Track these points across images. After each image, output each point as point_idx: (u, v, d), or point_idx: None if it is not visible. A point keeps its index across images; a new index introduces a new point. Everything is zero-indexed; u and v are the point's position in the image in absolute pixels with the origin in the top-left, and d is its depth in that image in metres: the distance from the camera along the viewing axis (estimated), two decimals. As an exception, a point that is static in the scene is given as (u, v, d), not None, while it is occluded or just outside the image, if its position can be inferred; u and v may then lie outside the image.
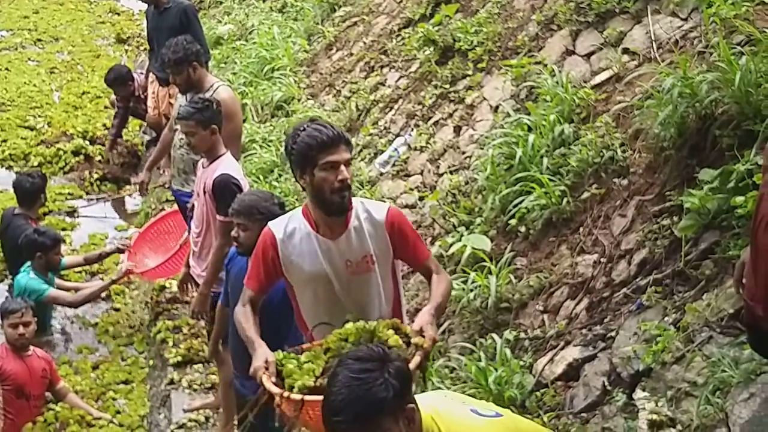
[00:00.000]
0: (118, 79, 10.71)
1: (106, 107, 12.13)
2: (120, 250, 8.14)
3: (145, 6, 10.12)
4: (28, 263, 7.92)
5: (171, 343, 7.39)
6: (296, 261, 4.16)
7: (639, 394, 4.37)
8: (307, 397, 3.38)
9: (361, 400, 2.61)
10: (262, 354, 3.73)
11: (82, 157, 11.01)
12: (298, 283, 4.25)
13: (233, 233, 5.26)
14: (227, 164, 6.11)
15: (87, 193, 10.55)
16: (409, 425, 2.69)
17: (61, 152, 10.96)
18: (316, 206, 4.11)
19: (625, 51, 6.42)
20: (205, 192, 6.09)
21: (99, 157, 11.05)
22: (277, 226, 4.22)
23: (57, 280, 8.18)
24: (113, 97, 11.14)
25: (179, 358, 7.19)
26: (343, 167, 4.03)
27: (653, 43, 6.18)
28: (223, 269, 5.69)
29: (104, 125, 11.55)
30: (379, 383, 2.63)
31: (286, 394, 3.44)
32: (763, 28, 5.43)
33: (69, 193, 10.37)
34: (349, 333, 3.68)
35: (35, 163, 10.70)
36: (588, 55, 6.76)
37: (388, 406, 2.63)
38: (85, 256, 8.66)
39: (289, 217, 4.26)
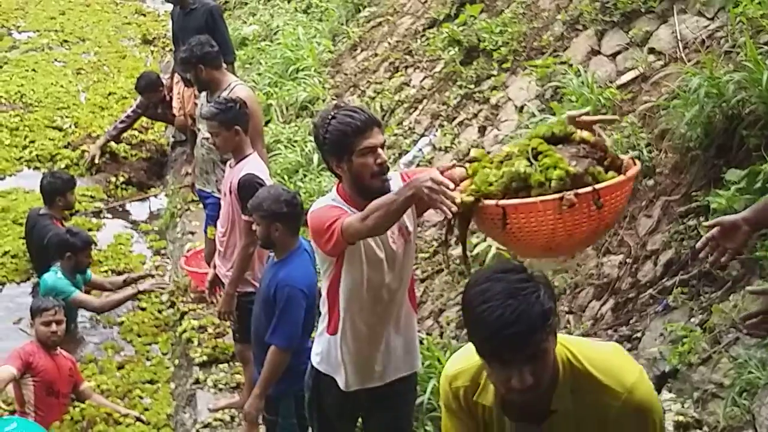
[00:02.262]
0: (150, 86, 10.76)
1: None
2: (142, 292, 8.17)
3: (170, 7, 10.17)
4: (57, 263, 7.98)
5: (196, 343, 7.42)
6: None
7: (665, 395, 4.35)
8: (529, 199, 3.17)
9: (532, 309, 2.51)
10: (427, 175, 3.54)
11: (107, 156, 11.04)
12: (351, 261, 4.15)
13: (253, 227, 5.40)
14: (253, 164, 6.13)
15: (108, 196, 10.58)
16: (554, 339, 2.64)
17: (86, 154, 11.01)
18: (356, 192, 4.04)
19: (651, 51, 6.39)
20: (231, 192, 6.13)
21: (123, 154, 11.08)
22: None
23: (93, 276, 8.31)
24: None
25: (204, 358, 7.21)
26: (380, 150, 4.01)
27: (679, 42, 6.15)
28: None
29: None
30: (539, 294, 2.55)
31: (502, 202, 3.18)
32: (790, 27, 5.40)
33: (92, 196, 10.42)
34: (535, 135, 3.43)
35: (62, 165, 10.76)
36: (613, 55, 6.74)
37: (550, 315, 2.56)
38: (110, 280, 8.67)
39: (331, 201, 4.15)
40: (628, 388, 2.70)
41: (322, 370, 4.45)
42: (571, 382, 2.70)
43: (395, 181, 4.09)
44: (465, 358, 2.91)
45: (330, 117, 4.05)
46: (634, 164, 3.33)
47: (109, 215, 10.31)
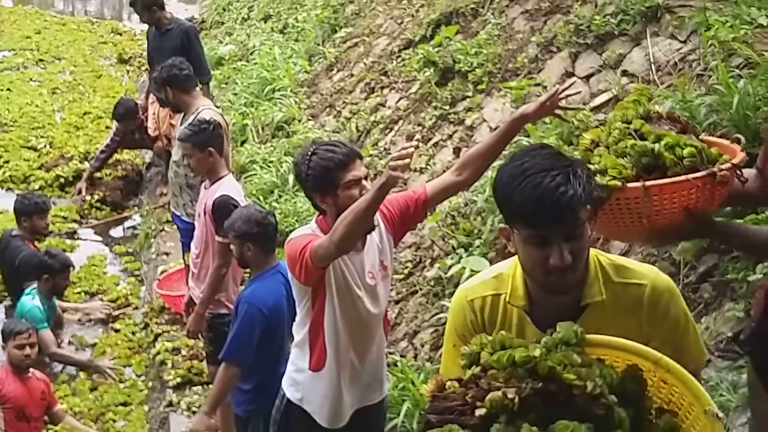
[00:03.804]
0: (128, 114, 10.70)
1: (107, 127, 12.12)
2: (97, 367, 7.92)
3: (146, 26, 10.16)
4: (34, 286, 7.92)
5: (170, 365, 7.37)
6: (343, 269, 4.11)
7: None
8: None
9: (575, 180, 2.51)
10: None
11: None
12: (334, 298, 4.14)
13: (230, 246, 5.43)
14: (228, 186, 6.13)
15: (82, 217, 10.52)
16: (589, 224, 2.63)
17: (61, 178, 10.98)
18: None
19: (624, 73, 6.43)
20: (205, 213, 6.11)
21: (99, 174, 11.01)
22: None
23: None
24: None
25: (178, 380, 7.17)
26: (364, 182, 4.02)
27: (652, 65, 6.19)
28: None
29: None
30: (577, 169, 2.56)
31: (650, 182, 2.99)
32: (761, 51, 5.44)
33: (63, 217, 10.36)
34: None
35: (36, 186, 10.70)
36: (587, 77, 6.77)
37: (590, 190, 2.58)
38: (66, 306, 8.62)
39: (310, 231, 4.15)
40: (651, 277, 2.74)
41: (302, 405, 4.39)
42: (602, 275, 2.71)
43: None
44: (478, 278, 2.91)
45: (311, 153, 4.05)
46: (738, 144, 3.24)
47: (83, 236, 10.24)
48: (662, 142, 3.07)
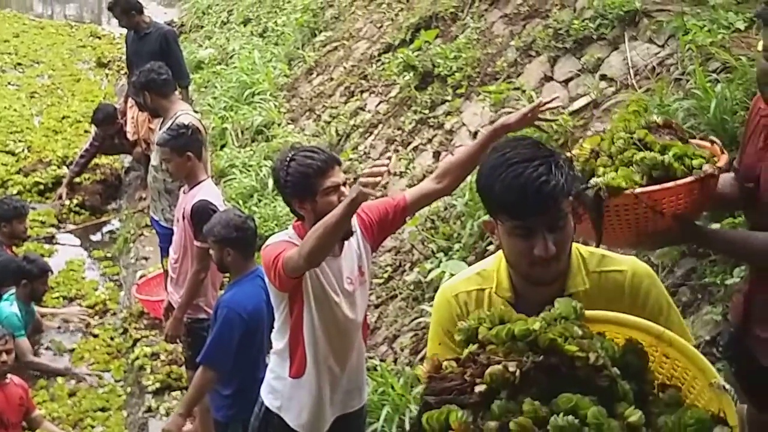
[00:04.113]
0: (107, 119, 10.64)
1: (86, 131, 12.07)
2: (75, 374, 7.87)
3: (125, 30, 10.12)
4: (12, 291, 7.87)
5: (149, 370, 7.34)
6: (320, 275, 4.10)
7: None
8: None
9: (558, 170, 2.53)
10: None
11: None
12: (312, 304, 4.13)
13: (210, 251, 5.42)
14: (207, 190, 6.11)
15: (60, 221, 10.46)
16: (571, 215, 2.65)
17: (40, 185, 10.93)
18: None
19: (603, 77, 6.45)
20: (184, 218, 6.09)
21: (78, 179, 10.96)
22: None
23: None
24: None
25: (157, 385, 7.14)
26: (343, 188, 4.02)
27: (630, 69, 6.21)
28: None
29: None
30: (559, 160, 2.58)
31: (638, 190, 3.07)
32: (738, 55, 5.47)
33: (41, 221, 10.30)
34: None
35: (14, 191, 10.63)
36: (566, 81, 6.79)
37: (572, 181, 2.60)
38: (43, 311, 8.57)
39: (287, 238, 4.14)
40: (631, 264, 2.77)
41: (280, 413, 4.37)
42: (584, 265, 2.73)
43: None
44: (461, 275, 2.91)
45: (289, 159, 4.05)
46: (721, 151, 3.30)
47: (62, 241, 10.19)
48: (670, 153, 3.12)
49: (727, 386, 2.20)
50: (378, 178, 3.58)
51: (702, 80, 5.22)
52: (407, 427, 5.12)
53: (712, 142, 3.31)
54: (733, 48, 5.62)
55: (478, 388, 2.23)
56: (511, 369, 2.21)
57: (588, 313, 2.42)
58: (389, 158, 3.84)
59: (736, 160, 3.41)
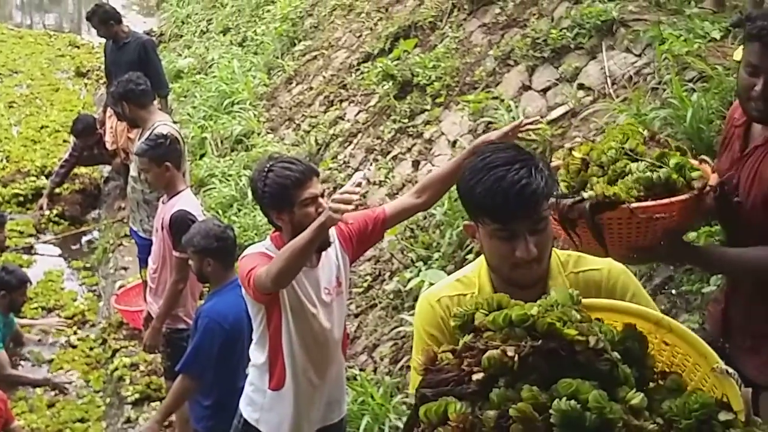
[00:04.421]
0: (87, 129, 10.59)
1: (65, 141, 12.04)
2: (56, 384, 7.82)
3: (104, 39, 10.11)
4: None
5: (128, 381, 7.31)
6: (296, 287, 4.08)
7: None
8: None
9: (538, 173, 2.56)
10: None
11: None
12: (289, 315, 4.12)
13: (189, 261, 5.41)
14: (185, 200, 6.10)
15: (38, 231, 10.42)
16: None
17: (19, 196, 10.89)
18: None
19: (581, 86, 6.49)
20: (162, 228, 6.08)
21: (57, 189, 10.92)
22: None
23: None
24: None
25: (137, 396, 7.11)
26: (320, 200, 4.02)
27: (608, 79, 6.25)
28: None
29: (61, 159, 11.42)
30: (539, 163, 2.61)
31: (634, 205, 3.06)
32: (714, 64, 5.51)
33: (20, 231, 10.25)
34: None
35: (-7, 202, 10.61)
36: (544, 91, 6.83)
37: (552, 184, 2.66)
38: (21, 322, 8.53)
39: (264, 249, 4.14)
40: (607, 262, 2.80)
41: (258, 426, 4.35)
42: (563, 267, 2.76)
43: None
44: (442, 283, 2.93)
45: (267, 170, 4.04)
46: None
47: (41, 251, 10.14)
48: (671, 163, 3.14)
49: (730, 370, 2.17)
50: (349, 206, 3.57)
51: (678, 89, 5.26)
52: (387, 436, 5.13)
53: (702, 160, 3.33)
54: (709, 57, 5.67)
55: (476, 377, 2.17)
56: (509, 354, 2.16)
57: (584, 301, 2.38)
58: (360, 184, 3.83)
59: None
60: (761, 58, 3.07)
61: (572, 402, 2.04)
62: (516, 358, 2.15)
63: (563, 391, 2.08)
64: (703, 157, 3.37)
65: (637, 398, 2.11)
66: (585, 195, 3.10)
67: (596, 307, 2.40)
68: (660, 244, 3.10)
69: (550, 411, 2.03)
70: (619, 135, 3.34)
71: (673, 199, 3.05)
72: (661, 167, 3.13)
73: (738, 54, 5.41)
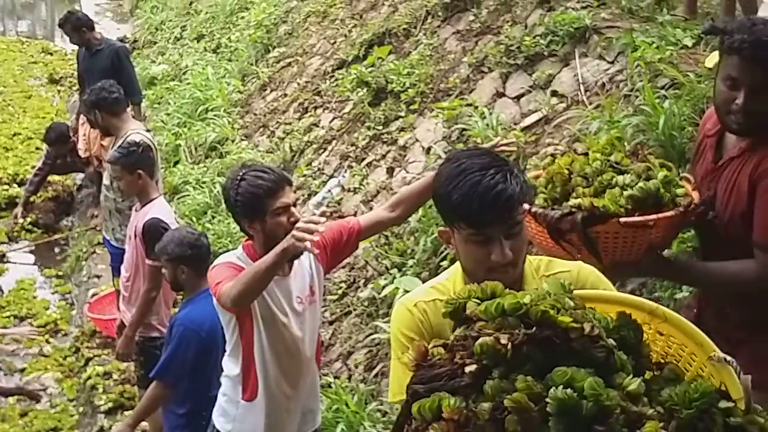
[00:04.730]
0: (60, 138, 10.53)
1: (37, 148, 11.97)
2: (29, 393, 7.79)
3: (78, 46, 10.05)
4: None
5: (101, 390, 7.26)
6: (266, 296, 4.05)
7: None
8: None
9: (513, 178, 2.58)
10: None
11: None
12: (261, 325, 4.10)
13: (162, 270, 5.37)
14: (158, 208, 6.07)
15: (10, 240, 10.35)
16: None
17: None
18: (269, 251, 3.90)
19: (554, 93, 6.51)
20: (135, 236, 6.05)
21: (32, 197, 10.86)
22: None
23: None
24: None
25: (110, 405, 7.07)
26: (293, 209, 4.01)
27: (581, 86, 6.28)
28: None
29: (33, 166, 11.36)
30: (513, 169, 2.64)
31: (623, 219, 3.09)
32: (686, 71, 5.55)
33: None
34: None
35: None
36: (518, 98, 6.85)
37: (527, 189, 2.68)
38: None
39: (235, 259, 4.11)
40: (578, 264, 2.83)
41: None
42: (535, 271, 2.77)
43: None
44: (417, 290, 2.94)
45: (239, 178, 4.02)
46: None
47: (12, 259, 10.07)
48: (659, 177, 3.17)
49: (728, 358, 2.15)
50: (314, 237, 3.56)
51: (651, 96, 5.29)
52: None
53: (684, 178, 3.37)
54: (681, 64, 5.71)
55: (469, 369, 2.14)
56: (502, 341, 2.12)
57: (577, 292, 2.35)
58: (324, 213, 3.84)
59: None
60: (741, 71, 3.08)
61: (568, 390, 2.01)
62: (509, 346, 2.12)
63: (558, 379, 2.05)
64: (686, 174, 3.40)
65: (634, 384, 2.08)
66: (571, 203, 3.15)
67: (588, 298, 2.37)
68: (642, 259, 3.12)
69: (546, 400, 2.01)
70: (607, 146, 3.37)
71: (661, 215, 3.10)
72: (649, 179, 3.18)
73: (709, 61, 5.46)
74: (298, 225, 3.63)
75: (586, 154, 3.40)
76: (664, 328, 2.32)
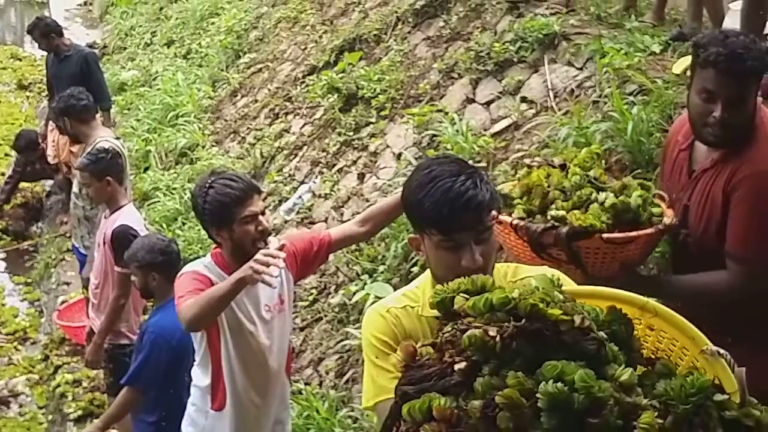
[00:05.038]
0: (30, 145, 10.46)
1: (6, 154, 11.89)
2: None
3: (46, 52, 10.00)
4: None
5: (71, 397, 7.22)
6: (232, 306, 4.01)
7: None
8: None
9: (483, 185, 2.62)
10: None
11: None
12: (227, 329, 4.07)
13: (132, 277, 5.35)
14: (127, 215, 6.04)
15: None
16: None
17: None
18: (236, 259, 3.93)
19: (524, 99, 6.53)
20: (104, 243, 6.02)
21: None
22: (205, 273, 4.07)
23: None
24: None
25: (79, 413, 7.03)
26: (260, 217, 3.99)
27: (550, 92, 6.31)
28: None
29: (2, 173, 11.29)
30: (483, 175, 2.67)
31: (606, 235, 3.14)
32: (654, 78, 5.59)
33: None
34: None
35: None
36: (487, 104, 6.87)
37: (496, 195, 2.73)
38: None
39: (203, 268, 4.09)
40: (542, 269, 2.80)
41: None
42: (504, 277, 2.77)
43: (273, 244, 4.05)
44: (388, 298, 2.95)
45: (207, 186, 4.00)
46: None
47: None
48: (635, 196, 3.23)
49: (722, 351, 2.11)
50: (274, 270, 3.55)
51: (619, 103, 5.32)
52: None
53: (658, 195, 3.40)
54: (649, 71, 5.75)
55: (459, 366, 2.11)
56: (491, 333, 2.10)
57: (566, 288, 2.34)
58: (283, 246, 3.81)
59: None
60: (717, 84, 3.09)
61: (558, 384, 1.98)
62: (498, 338, 2.09)
63: (549, 374, 2.02)
64: (660, 192, 3.43)
65: (626, 374, 2.06)
66: (552, 215, 3.18)
67: (579, 294, 2.36)
68: (617, 273, 3.17)
69: (537, 395, 1.99)
70: (587, 160, 3.40)
71: (642, 232, 3.16)
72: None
73: (677, 67, 5.51)
74: (256, 257, 3.59)
75: (563, 166, 3.43)
76: (655, 322, 2.30)
